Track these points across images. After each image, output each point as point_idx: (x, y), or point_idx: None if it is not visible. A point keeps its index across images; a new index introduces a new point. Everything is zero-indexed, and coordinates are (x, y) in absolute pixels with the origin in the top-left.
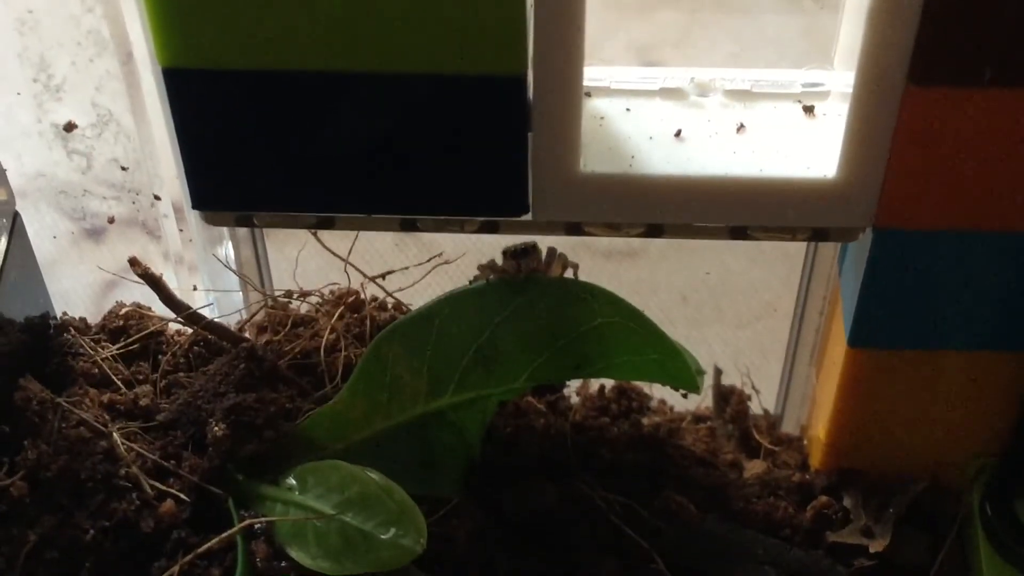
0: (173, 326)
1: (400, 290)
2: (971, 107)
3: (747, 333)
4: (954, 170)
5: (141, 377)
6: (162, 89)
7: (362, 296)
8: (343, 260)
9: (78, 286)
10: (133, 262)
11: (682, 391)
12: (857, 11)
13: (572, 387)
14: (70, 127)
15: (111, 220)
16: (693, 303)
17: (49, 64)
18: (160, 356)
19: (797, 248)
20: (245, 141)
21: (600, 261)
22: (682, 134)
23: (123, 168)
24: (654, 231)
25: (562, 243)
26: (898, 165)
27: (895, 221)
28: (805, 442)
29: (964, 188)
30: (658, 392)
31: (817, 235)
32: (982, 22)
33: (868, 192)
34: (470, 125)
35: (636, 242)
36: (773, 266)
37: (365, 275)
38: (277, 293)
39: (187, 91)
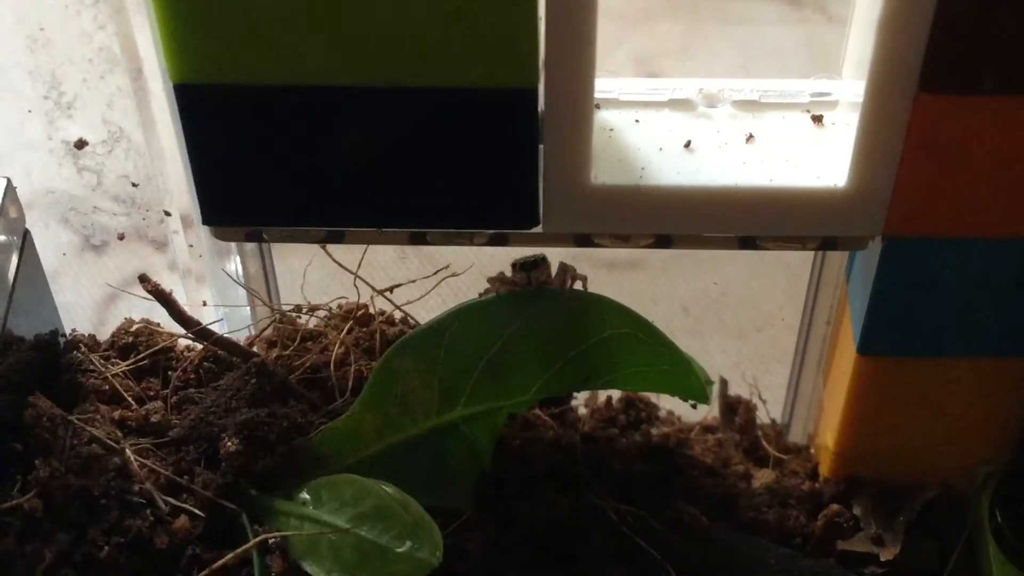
0: (183, 342)
1: (407, 303)
2: (982, 115)
3: (748, 344)
4: (965, 178)
5: (152, 393)
6: (173, 105)
7: (371, 310)
8: (353, 274)
9: (81, 299)
10: (143, 279)
11: (691, 402)
12: (867, 20)
13: (580, 399)
14: (81, 144)
15: (121, 236)
16: (694, 314)
17: (60, 81)
18: (170, 372)
19: (799, 258)
20: (256, 156)
21: (601, 272)
22: (691, 145)
23: (133, 184)
24: (664, 242)
25: (563, 255)
26: (908, 173)
27: (905, 229)
28: (813, 451)
29: (975, 196)
30: (665, 403)
31: (826, 244)
32: (994, 30)
33: (878, 201)
34: (481, 138)
35: (637, 253)
36: (773, 277)
37: (374, 288)
38: (285, 307)
39: (197, 106)
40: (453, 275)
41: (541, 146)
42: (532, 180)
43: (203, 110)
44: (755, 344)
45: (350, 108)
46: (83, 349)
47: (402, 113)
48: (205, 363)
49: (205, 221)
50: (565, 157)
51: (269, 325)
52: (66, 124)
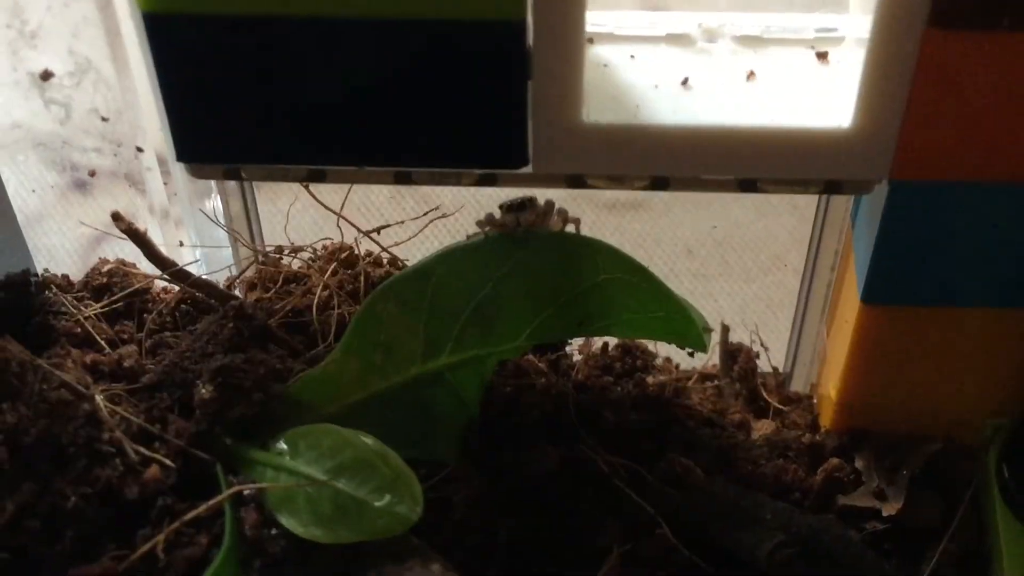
0: (159, 283)
1: (396, 245)
2: (992, 52)
3: (754, 288)
4: (973, 119)
5: (126, 337)
6: (143, 35)
7: (356, 251)
8: (336, 214)
9: (64, 241)
10: (116, 217)
11: (688, 349)
12: None
13: (574, 345)
14: (47, 75)
15: (92, 173)
16: (699, 256)
17: (23, 9)
18: (146, 315)
19: (806, 200)
20: (231, 90)
21: (603, 213)
22: (689, 82)
23: (103, 119)
24: (660, 184)
25: (562, 195)
26: (916, 114)
27: (912, 172)
28: (815, 401)
29: (983, 137)
30: (663, 350)
31: (830, 187)
32: None
33: (884, 142)
34: (467, 73)
35: (640, 194)
36: (780, 218)
37: (359, 229)
38: (268, 248)
39: (169, 36)
40: (443, 216)
41: (530, 82)
42: (521, 118)
43: (174, 40)
44: (761, 287)
45: (329, 41)
46: (55, 290)
47: (383, 46)
48: (182, 306)
49: (179, 158)
50: (555, 94)
51: (250, 266)
52: (31, 55)
